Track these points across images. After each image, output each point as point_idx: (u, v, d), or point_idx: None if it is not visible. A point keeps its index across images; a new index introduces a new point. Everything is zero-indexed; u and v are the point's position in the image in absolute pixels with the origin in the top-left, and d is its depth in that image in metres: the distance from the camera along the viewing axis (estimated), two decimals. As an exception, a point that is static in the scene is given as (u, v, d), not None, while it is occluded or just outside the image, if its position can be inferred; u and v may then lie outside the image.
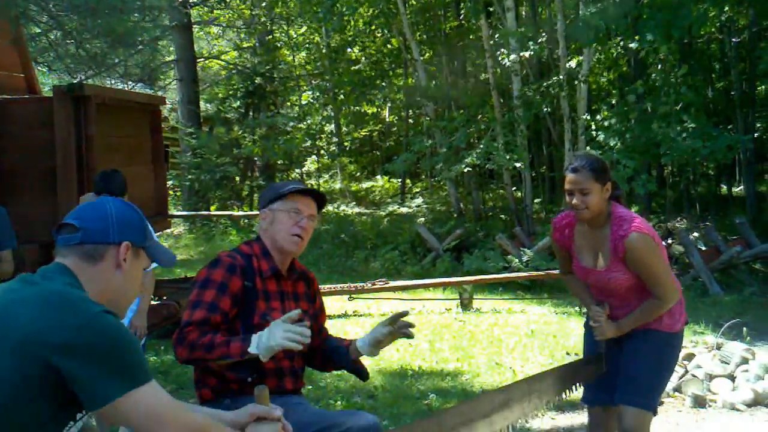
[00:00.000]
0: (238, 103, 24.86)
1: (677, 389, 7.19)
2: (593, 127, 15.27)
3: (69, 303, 2.24)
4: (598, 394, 4.46)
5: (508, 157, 16.29)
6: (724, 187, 22.25)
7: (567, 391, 4.23)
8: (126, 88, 20.54)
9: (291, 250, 3.65)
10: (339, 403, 7.10)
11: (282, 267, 3.68)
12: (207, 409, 2.75)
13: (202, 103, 24.45)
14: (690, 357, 7.60)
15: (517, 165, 16.61)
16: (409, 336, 3.72)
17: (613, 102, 16.58)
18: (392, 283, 12.47)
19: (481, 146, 16.77)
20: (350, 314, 11.57)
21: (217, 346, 3.27)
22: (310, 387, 7.50)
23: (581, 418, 6.75)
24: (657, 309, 4.20)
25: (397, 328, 3.69)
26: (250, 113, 24.74)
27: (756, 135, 19.15)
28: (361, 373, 3.96)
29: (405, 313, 3.77)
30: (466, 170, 17.28)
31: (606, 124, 14.95)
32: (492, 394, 3.72)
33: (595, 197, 4.14)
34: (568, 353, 8.69)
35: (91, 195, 5.80)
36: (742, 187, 21.42)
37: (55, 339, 2.16)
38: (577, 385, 4.34)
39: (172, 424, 2.31)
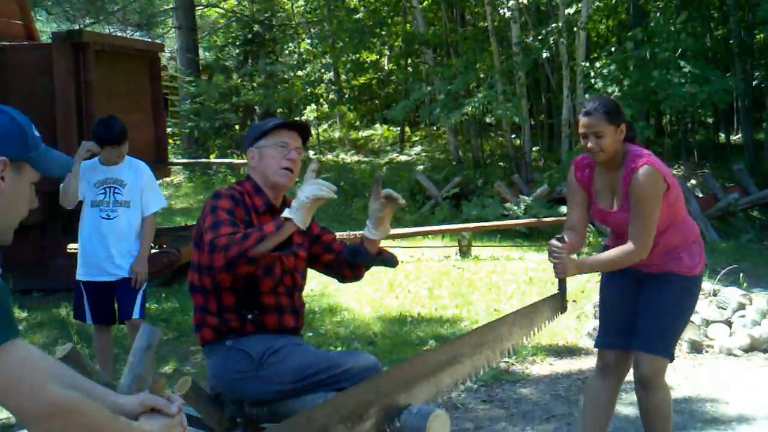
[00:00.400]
0: (237, 50, 24.77)
1: (674, 335, 7.26)
2: (592, 74, 15.24)
3: None
4: (614, 339, 4.42)
5: (507, 106, 16.26)
6: (722, 136, 22.20)
7: (526, 336, 4.10)
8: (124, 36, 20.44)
9: (283, 184, 3.65)
10: (339, 348, 7.18)
11: (275, 202, 3.69)
12: (98, 388, 2.25)
13: (200, 52, 24.33)
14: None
15: (515, 120, 16.58)
16: (400, 203, 3.61)
17: (612, 50, 16.52)
18: (391, 231, 12.49)
19: (480, 94, 16.72)
20: (350, 262, 11.63)
21: (250, 234, 3.21)
22: (311, 334, 7.58)
23: (578, 363, 6.86)
24: (626, 255, 4.12)
25: (385, 198, 3.60)
26: (249, 61, 24.65)
27: (754, 83, 19.08)
28: (390, 260, 3.89)
29: (380, 177, 3.72)
30: (464, 118, 17.27)
31: (605, 72, 14.91)
32: (438, 350, 3.59)
33: (610, 139, 4.12)
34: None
35: (92, 143, 5.81)
36: (740, 135, 21.38)
37: None
38: (537, 329, 4.23)
39: (29, 394, 1.89)
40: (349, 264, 3.80)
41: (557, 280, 4.36)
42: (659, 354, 4.21)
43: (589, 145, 4.14)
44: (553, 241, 4.21)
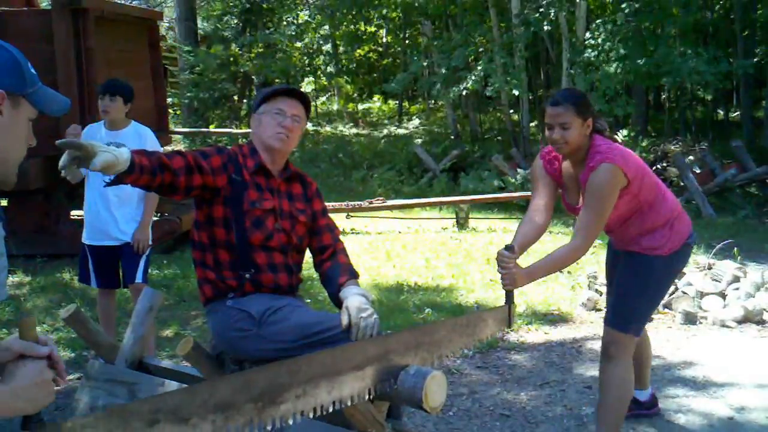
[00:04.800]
0: (236, 20, 24.70)
1: (668, 306, 7.32)
2: (588, 43, 15.30)
3: None
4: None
5: (507, 79, 16.25)
6: (721, 113, 22.21)
7: (466, 346, 3.63)
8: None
9: (276, 146, 3.74)
10: (337, 315, 7.24)
11: (270, 165, 3.78)
12: None
13: (199, 21, 24.26)
14: (681, 276, 7.68)
15: (515, 93, 16.55)
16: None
17: (603, 21, 16.51)
18: (389, 202, 12.60)
19: (479, 68, 16.71)
20: (348, 232, 11.69)
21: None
22: (309, 301, 7.62)
23: (573, 332, 6.94)
24: (571, 252, 4.07)
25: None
26: (248, 31, 24.60)
27: (756, 60, 19.03)
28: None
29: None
30: (464, 93, 17.28)
31: (602, 40, 14.95)
32: (369, 343, 3.19)
33: (575, 132, 4.03)
34: (561, 271, 8.82)
35: (76, 126, 5.76)
36: (738, 112, 21.38)
37: None
38: (477, 340, 3.74)
39: None
40: (321, 276, 3.85)
41: (505, 292, 3.97)
42: (617, 328, 4.31)
43: (554, 135, 4.05)
44: (503, 251, 3.96)
